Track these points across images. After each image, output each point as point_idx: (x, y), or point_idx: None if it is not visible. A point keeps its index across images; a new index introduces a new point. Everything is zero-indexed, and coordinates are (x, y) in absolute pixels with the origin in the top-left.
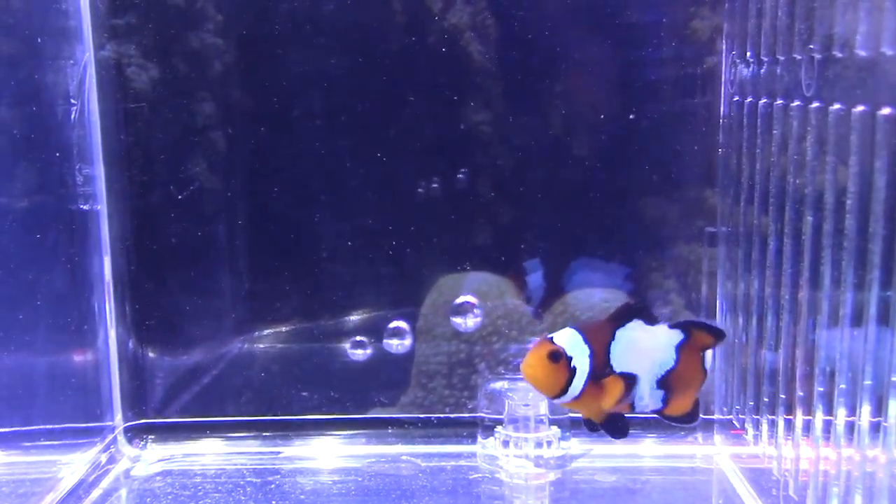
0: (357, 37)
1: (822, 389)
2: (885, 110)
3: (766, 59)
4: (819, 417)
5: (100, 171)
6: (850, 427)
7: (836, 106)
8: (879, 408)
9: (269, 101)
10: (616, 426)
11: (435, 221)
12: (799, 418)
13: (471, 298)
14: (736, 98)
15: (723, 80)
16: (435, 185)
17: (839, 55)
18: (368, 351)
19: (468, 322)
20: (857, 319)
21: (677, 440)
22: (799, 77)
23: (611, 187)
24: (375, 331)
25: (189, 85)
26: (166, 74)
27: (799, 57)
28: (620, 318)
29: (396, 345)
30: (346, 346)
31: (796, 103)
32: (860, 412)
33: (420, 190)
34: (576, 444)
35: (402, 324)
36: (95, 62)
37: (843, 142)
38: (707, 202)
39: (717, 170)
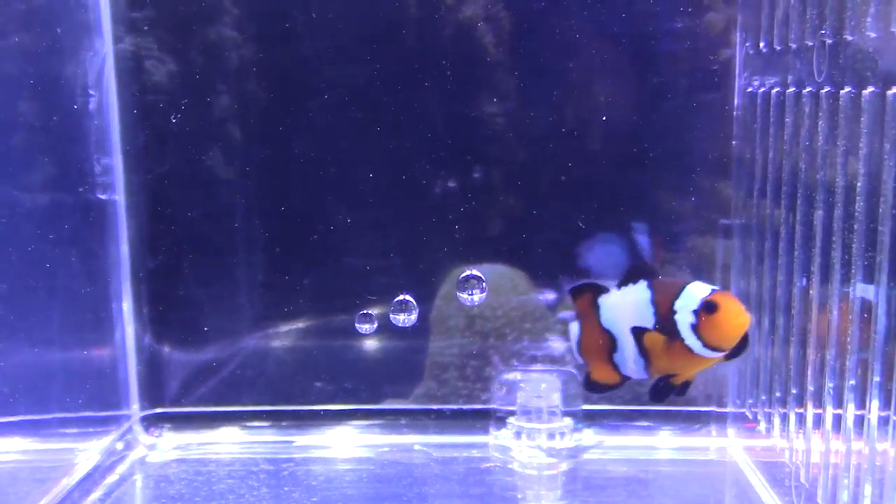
0: (372, 29)
1: (832, 385)
2: (894, 89)
3: (778, 47)
4: (829, 411)
5: (118, 161)
6: (861, 420)
7: (847, 89)
8: (888, 402)
9: (285, 93)
10: None
11: (449, 213)
12: (810, 411)
13: (476, 272)
14: (749, 89)
15: (737, 71)
16: (449, 177)
17: (849, 38)
18: (380, 342)
19: (475, 297)
20: (867, 312)
21: (691, 432)
22: (811, 64)
23: (625, 179)
24: (388, 321)
25: (206, 77)
26: (184, 67)
27: (810, 43)
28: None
29: (403, 319)
30: (360, 337)
31: (808, 90)
32: (869, 406)
33: (434, 182)
34: (589, 435)
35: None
36: (114, 54)
37: (855, 126)
38: (721, 194)
39: (732, 161)
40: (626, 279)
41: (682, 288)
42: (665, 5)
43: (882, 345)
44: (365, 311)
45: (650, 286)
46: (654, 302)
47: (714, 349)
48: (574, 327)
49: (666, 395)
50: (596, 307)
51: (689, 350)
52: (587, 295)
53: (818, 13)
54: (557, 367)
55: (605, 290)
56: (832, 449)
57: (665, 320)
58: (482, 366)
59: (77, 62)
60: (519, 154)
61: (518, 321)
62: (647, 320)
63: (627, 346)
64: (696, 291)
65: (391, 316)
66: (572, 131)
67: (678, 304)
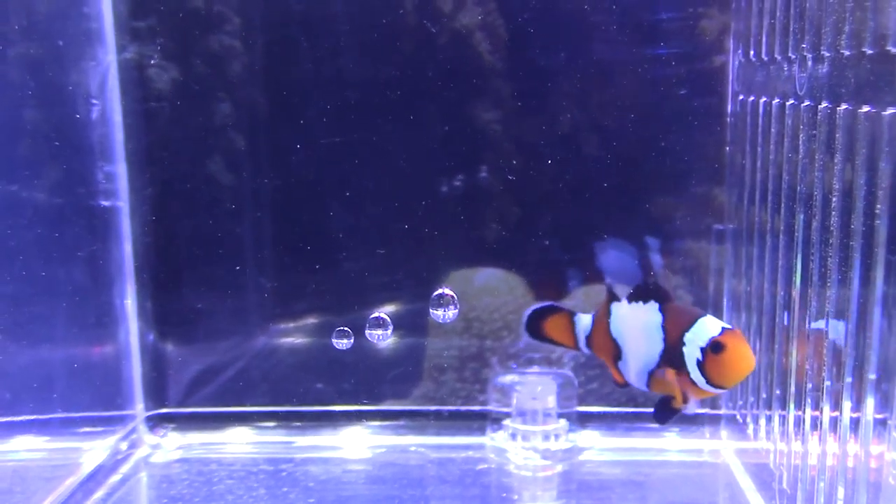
0: (372, 37)
1: (810, 385)
2: (864, 108)
3: (766, 57)
4: (808, 413)
5: (121, 168)
6: (835, 422)
7: (824, 104)
8: (860, 404)
9: (285, 101)
10: None
11: (447, 217)
12: (791, 413)
13: (448, 291)
14: (741, 97)
15: (730, 78)
16: (447, 182)
17: (826, 54)
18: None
19: (448, 314)
20: (841, 316)
21: (685, 434)
22: (794, 77)
23: (620, 185)
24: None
25: (208, 85)
26: (186, 75)
27: (793, 56)
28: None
29: (380, 335)
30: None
31: (791, 102)
32: (842, 408)
33: (432, 187)
34: (584, 437)
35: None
36: (117, 63)
37: (832, 140)
38: (715, 200)
39: (725, 167)
40: (636, 295)
41: (695, 321)
42: (661, 10)
43: (853, 347)
44: (341, 328)
45: (661, 310)
46: (665, 328)
47: (717, 387)
48: (586, 319)
49: (669, 418)
50: (609, 312)
51: (693, 382)
52: (610, 295)
53: (799, 27)
54: (554, 369)
55: (619, 298)
56: (811, 451)
57: (673, 349)
58: (479, 368)
59: (80, 71)
60: (515, 160)
61: (515, 324)
62: (656, 343)
63: (632, 359)
64: (708, 327)
65: (367, 332)
66: (567, 137)
67: (687, 337)
